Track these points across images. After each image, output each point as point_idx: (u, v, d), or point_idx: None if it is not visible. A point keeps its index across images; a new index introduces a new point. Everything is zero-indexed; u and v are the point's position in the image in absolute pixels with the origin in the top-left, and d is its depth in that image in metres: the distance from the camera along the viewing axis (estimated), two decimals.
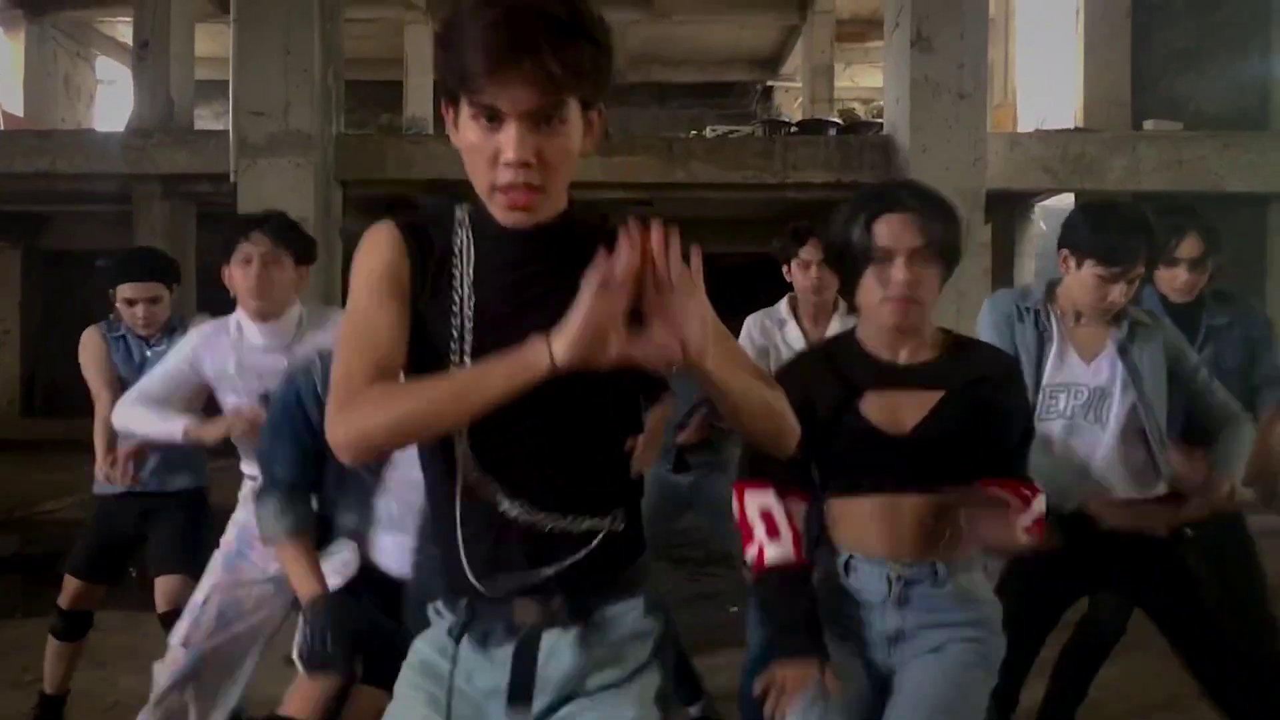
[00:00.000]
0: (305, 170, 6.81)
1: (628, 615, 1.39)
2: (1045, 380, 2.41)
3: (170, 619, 2.94)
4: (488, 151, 1.25)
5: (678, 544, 5.28)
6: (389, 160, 7.36)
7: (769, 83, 14.87)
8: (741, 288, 4.89)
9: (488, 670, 1.37)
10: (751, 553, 1.85)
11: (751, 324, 3.40)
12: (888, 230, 1.78)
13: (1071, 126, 8.06)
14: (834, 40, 11.89)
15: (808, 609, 1.80)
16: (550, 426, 1.31)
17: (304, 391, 2.07)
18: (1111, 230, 2.34)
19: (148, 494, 3.14)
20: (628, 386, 1.36)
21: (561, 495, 1.34)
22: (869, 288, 1.82)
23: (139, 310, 3.13)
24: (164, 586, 3.04)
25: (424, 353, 1.31)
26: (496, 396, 1.17)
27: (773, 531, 1.82)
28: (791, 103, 14.20)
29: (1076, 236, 2.39)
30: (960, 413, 1.81)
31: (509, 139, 1.23)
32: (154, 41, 8.75)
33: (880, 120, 7.72)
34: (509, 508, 1.32)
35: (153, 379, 2.72)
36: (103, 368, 3.21)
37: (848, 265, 1.85)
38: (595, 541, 1.35)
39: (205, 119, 12.50)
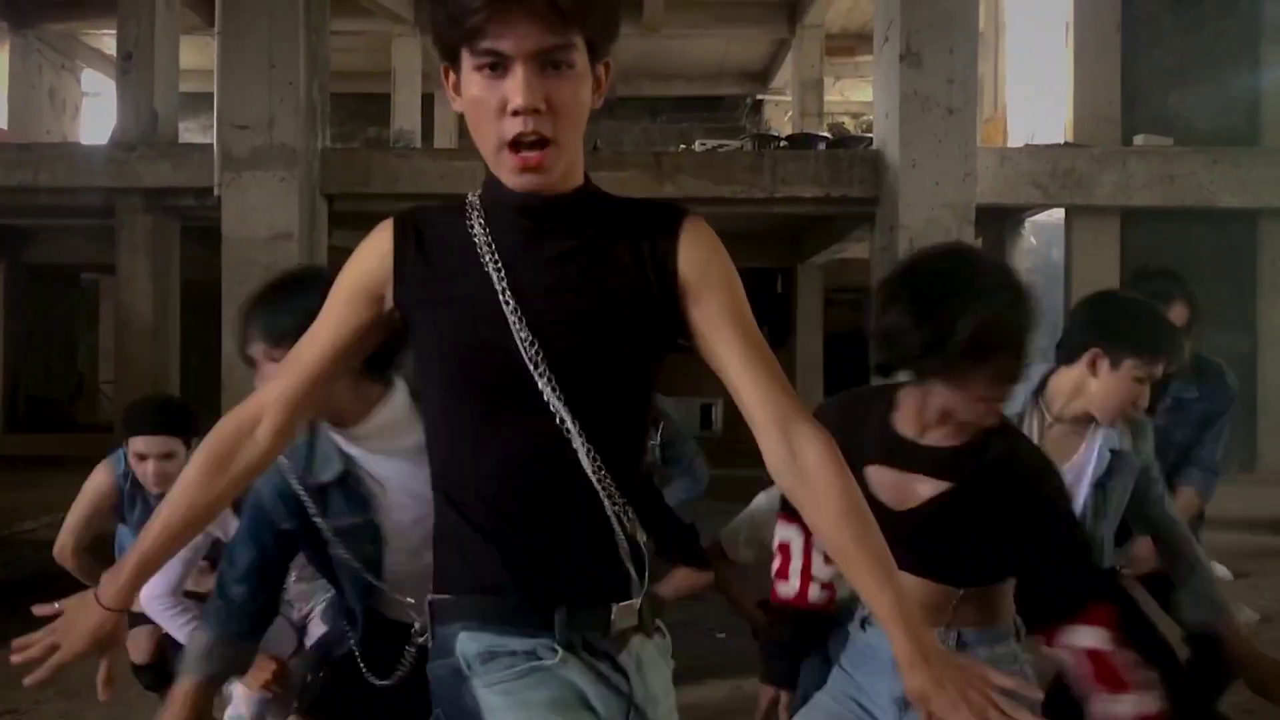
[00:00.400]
0: (290, 184, 6.73)
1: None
2: None
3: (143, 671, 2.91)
4: (493, 103, 1.15)
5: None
6: (375, 174, 7.29)
7: (758, 97, 14.86)
8: None
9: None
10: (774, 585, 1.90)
11: None
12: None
13: (1062, 141, 8.06)
14: (823, 54, 11.90)
15: (788, 643, 1.87)
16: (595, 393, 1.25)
17: (266, 496, 1.77)
18: (1153, 324, 2.09)
19: None
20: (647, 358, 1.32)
21: (622, 477, 1.26)
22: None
23: (150, 467, 2.81)
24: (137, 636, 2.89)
25: (467, 329, 1.23)
26: None
27: (782, 572, 1.87)
28: (781, 117, 14.19)
29: (1117, 332, 2.05)
30: (966, 510, 1.62)
31: (515, 85, 1.14)
32: (138, 53, 8.68)
33: (870, 135, 7.70)
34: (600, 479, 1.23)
35: (176, 569, 2.51)
36: (91, 518, 2.95)
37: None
38: (646, 542, 1.31)
39: (191, 132, 12.44)
